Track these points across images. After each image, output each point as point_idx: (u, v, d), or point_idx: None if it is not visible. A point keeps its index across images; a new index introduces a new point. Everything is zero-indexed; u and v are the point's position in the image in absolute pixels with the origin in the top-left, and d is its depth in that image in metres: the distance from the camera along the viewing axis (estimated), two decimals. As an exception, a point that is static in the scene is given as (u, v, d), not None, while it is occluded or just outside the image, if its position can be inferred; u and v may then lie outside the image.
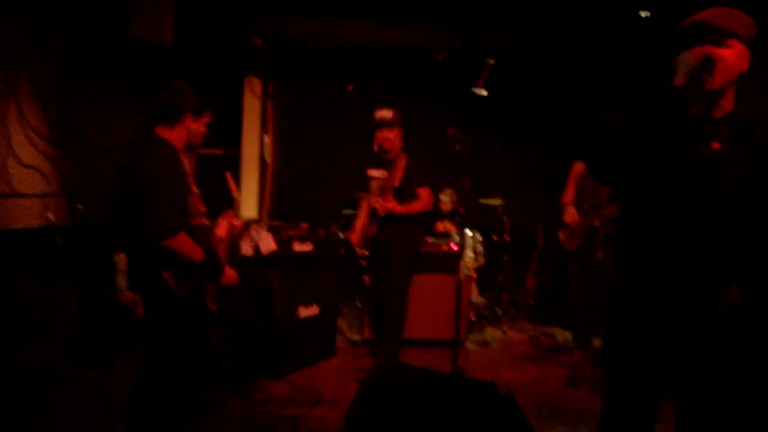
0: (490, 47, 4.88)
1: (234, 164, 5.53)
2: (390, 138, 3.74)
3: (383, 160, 3.85)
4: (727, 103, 1.72)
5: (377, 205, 3.69)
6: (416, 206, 3.74)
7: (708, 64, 1.62)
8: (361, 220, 3.95)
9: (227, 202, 3.01)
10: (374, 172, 3.88)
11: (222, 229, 2.92)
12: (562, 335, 4.97)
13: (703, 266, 1.70)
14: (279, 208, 5.71)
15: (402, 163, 3.71)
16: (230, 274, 2.76)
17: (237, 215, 2.96)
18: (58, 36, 4.43)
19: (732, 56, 1.65)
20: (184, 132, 2.61)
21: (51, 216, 4.03)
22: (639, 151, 1.75)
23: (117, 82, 4.86)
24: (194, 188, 2.65)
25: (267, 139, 5.41)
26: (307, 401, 3.34)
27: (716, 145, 1.68)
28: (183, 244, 2.45)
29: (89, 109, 4.80)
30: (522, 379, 3.86)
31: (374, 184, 3.87)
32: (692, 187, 1.69)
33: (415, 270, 3.97)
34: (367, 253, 3.91)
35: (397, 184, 3.71)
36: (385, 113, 3.72)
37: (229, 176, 2.94)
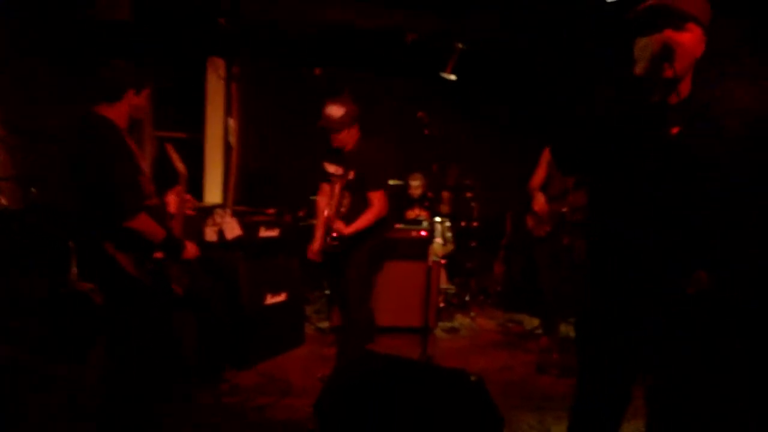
0: (459, 31, 4.84)
1: (197, 148, 5.37)
2: (340, 138, 3.36)
3: (338, 153, 3.47)
4: (685, 87, 1.73)
5: (333, 228, 3.34)
6: (367, 219, 3.35)
7: (668, 52, 1.58)
8: (319, 231, 3.55)
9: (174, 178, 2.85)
10: (330, 168, 3.51)
11: (172, 205, 2.81)
12: (530, 322, 5.00)
13: (672, 250, 1.71)
14: (245, 194, 5.57)
15: (354, 155, 3.39)
16: (191, 248, 2.65)
17: (185, 189, 2.75)
18: (10, 15, 4.19)
19: (690, 41, 1.65)
20: (126, 108, 2.49)
21: (3, 200, 3.82)
22: (605, 141, 1.72)
23: (71, 62, 4.62)
24: (144, 168, 2.54)
25: (232, 122, 5.25)
26: (276, 391, 3.27)
27: (675, 130, 1.70)
28: (145, 223, 2.36)
29: (41, 91, 4.56)
30: (491, 366, 3.87)
31: (333, 181, 3.48)
32: (656, 173, 1.70)
33: (377, 269, 3.64)
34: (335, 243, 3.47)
35: (351, 177, 3.39)
36: (334, 112, 3.27)
37: (170, 148, 2.75)
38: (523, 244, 5.48)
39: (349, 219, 3.41)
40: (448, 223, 5.35)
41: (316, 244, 3.51)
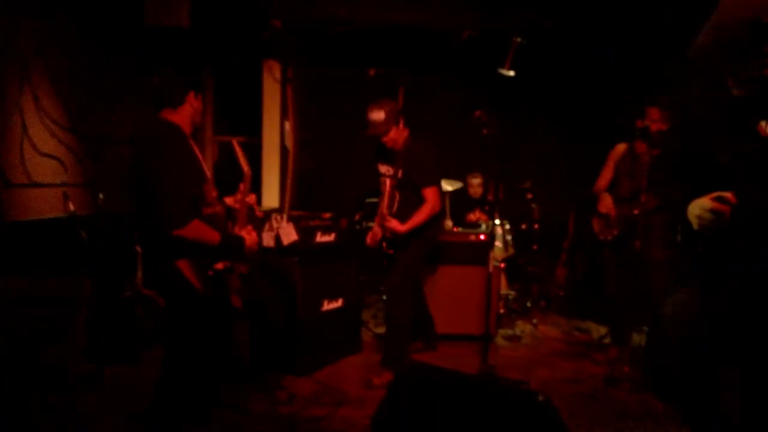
0: (515, 25, 4.63)
1: (255, 152, 5.40)
2: (390, 139, 3.45)
3: (390, 153, 3.58)
4: None
5: (387, 227, 3.48)
6: (422, 215, 3.44)
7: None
8: (377, 224, 3.67)
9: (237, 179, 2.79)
10: (382, 168, 3.65)
11: (232, 200, 2.73)
12: (597, 330, 4.74)
13: None
14: (302, 198, 5.56)
15: (403, 154, 3.48)
16: (249, 238, 2.58)
17: (248, 188, 2.70)
18: (74, 23, 4.32)
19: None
20: (190, 111, 2.48)
21: (71, 206, 3.94)
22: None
23: (134, 69, 4.74)
24: (208, 174, 2.52)
25: (288, 125, 5.24)
26: (332, 401, 3.21)
27: None
28: (197, 230, 2.33)
29: (108, 98, 4.70)
30: (557, 377, 3.67)
31: (383, 181, 3.62)
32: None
33: (421, 268, 3.78)
34: (390, 252, 3.69)
35: (400, 176, 3.50)
36: (377, 116, 3.38)
37: (236, 145, 2.71)
38: (587, 246, 5.22)
39: (400, 217, 3.49)
40: (508, 226, 5.15)
41: (377, 231, 3.63)
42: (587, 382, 3.58)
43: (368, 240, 3.73)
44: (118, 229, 3.92)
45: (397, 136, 3.46)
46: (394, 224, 3.44)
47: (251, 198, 2.77)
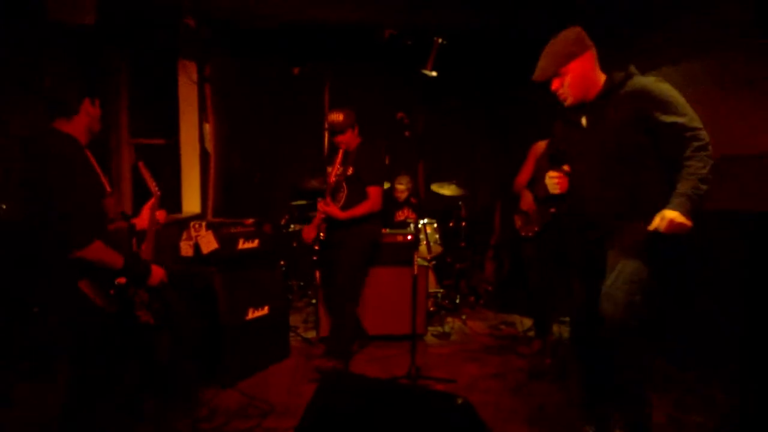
0: (436, 25, 4.65)
1: (174, 155, 5.17)
2: (344, 140, 3.75)
3: (341, 155, 3.84)
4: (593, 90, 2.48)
5: (319, 207, 3.74)
6: (362, 209, 3.73)
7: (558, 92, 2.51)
8: (318, 217, 3.84)
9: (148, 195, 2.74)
10: (330, 168, 3.88)
11: (143, 221, 2.66)
12: (523, 323, 4.87)
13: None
14: (225, 202, 5.38)
15: (354, 154, 3.77)
16: (157, 273, 2.51)
17: (158, 206, 2.70)
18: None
19: (575, 73, 2.44)
20: (85, 120, 2.32)
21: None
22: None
23: (33, 69, 4.40)
24: (108, 187, 2.38)
25: (207, 127, 5.04)
26: (257, 412, 3.12)
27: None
28: (99, 252, 2.21)
29: (3, 99, 4.34)
30: (484, 373, 3.73)
31: (329, 179, 3.86)
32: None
33: (366, 268, 3.97)
34: (317, 248, 3.91)
35: (349, 173, 3.77)
36: (336, 117, 3.72)
37: (142, 167, 2.66)
38: (512, 242, 5.35)
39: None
40: (435, 225, 5.20)
41: (313, 226, 3.86)
42: (511, 376, 3.66)
43: (303, 234, 3.92)
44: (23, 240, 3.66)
45: (351, 139, 3.77)
46: (332, 209, 3.71)
47: (161, 215, 2.72)
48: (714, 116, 3.82)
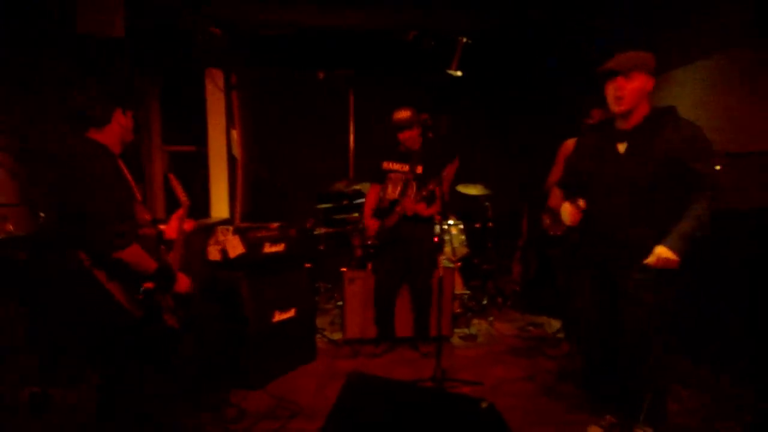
0: (460, 25, 4.65)
1: (203, 162, 5.28)
2: (413, 137, 3.95)
3: (401, 154, 4.06)
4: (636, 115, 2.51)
5: (407, 205, 3.88)
6: (436, 207, 3.93)
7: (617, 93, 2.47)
8: (396, 214, 4.01)
9: (178, 205, 2.83)
10: (394, 165, 4.07)
11: (172, 230, 2.73)
12: (551, 325, 4.81)
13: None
14: (253, 207, 5.46)
15: (421, 155, 3.97)
16: (183, 281, 2.57)
17: (186, 217, 2.77)
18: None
19: (637, 85, 2.44)
20: (117, 130, 2.39)
21: (10, 227, 3.76)
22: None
23: (66, 82, 4.55)
24: (138, 195, 2.44)
25: (234, 133, 5.13)
26: (284, 414, 3.15)
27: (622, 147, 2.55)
28: (136, 255, 2.26)
29: (40, 113, 4.50)
30: (510, 376, 3.70)
31: (394, 177, 4.06)
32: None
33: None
34: (376, 242, 4.07)
35: (419, 172, 3.96)
36: (404, 114, 3.91)
37: (172, 178, 2.74)
38: (540, 242, 5.29)
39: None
40: (461, 226, 5.17)
41: (369, 231, 4.10)
42: (540, 378, 3.62)
43: (368, 232, 4.11)
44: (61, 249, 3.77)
45: (416, 136, 3.98)
46: (420, 206, 3.90)
47: (189, 225, 2.78)
48: (724, 114, 3.85)
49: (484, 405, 2.08)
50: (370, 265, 4.34)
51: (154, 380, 2.64)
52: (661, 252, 2.33)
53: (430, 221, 4.02)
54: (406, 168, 3.99)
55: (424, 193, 3.81)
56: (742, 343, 3.36)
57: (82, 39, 4.12)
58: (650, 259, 2.36)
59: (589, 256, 2.71)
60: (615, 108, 2.51)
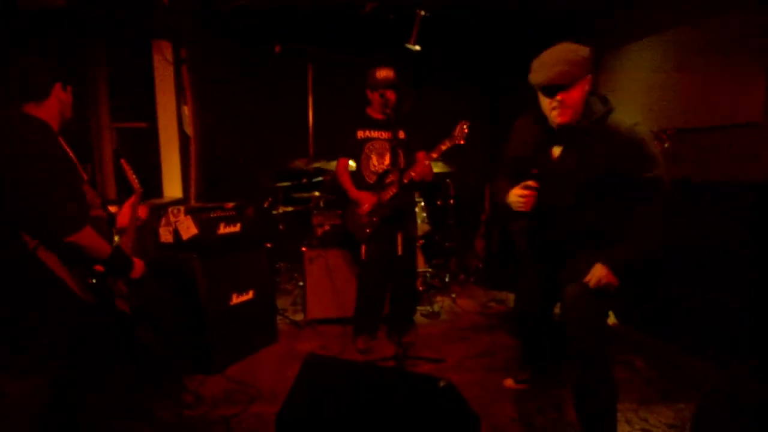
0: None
1: (154, 139, 5.06)
2: (394, 98, 3.65)
3: (377, 121, 3.75)
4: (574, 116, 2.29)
5: (419, 170, 3.53)
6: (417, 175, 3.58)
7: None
8: (350, 183, 3.77)
9: (130, 190, 2.70)
10: (373, 133, 3.76)
11: (125, 217, 2.60)
12: (512, 300, 4.84)
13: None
14: (208, 186, 5.28)
15: (400, 119, 3.58)
16: (138, 266, 2.44)
17: (139, 202, 2.66)
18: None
19: (578, 93, 2.22)
20: (57, 105, 2.22)
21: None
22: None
23: (4, 55, 4.27)
24: (84, 175, 2.29)
25: (186, 110, 4.92)
26: (243, 398, 3.08)
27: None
28: (90, 238, 2.12)
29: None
30: (472, 352, 3.70)
31: (378, 145, 3.76)
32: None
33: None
34: (375, 219, 3.68)
35: (402, 137, 3.55)
36: (388, 73, 3.65)
37: (124, 163, 2.60)
38: (500, 218, 5.30)
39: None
40: (422, 203, 5.13)
41: (366, 207, 3.68)
42: (500, 355, 3.64)
43: (365, 208, 3.68)
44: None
45: (395, 98, 3.65)
46: (416, 171, 3.54)
47: (142, 212, 2.67)
48: (699, 85, 3.88)
49: (442, 384, 2.06)
50: (364, 247, 3.80)
51: (108, 368, 2.53)
52: (600, 274, 2.26)
53: (411, 192, 3.82)
54: (388, 135, 3.65)
55: (443, 148, 3.47)
56: (693, 314, 3.44)
57: (20, 10, 3.85)
58: (589, 279, 2.29)
59: (536, 247, 2.63)
60: (557, 120, 2.28)
